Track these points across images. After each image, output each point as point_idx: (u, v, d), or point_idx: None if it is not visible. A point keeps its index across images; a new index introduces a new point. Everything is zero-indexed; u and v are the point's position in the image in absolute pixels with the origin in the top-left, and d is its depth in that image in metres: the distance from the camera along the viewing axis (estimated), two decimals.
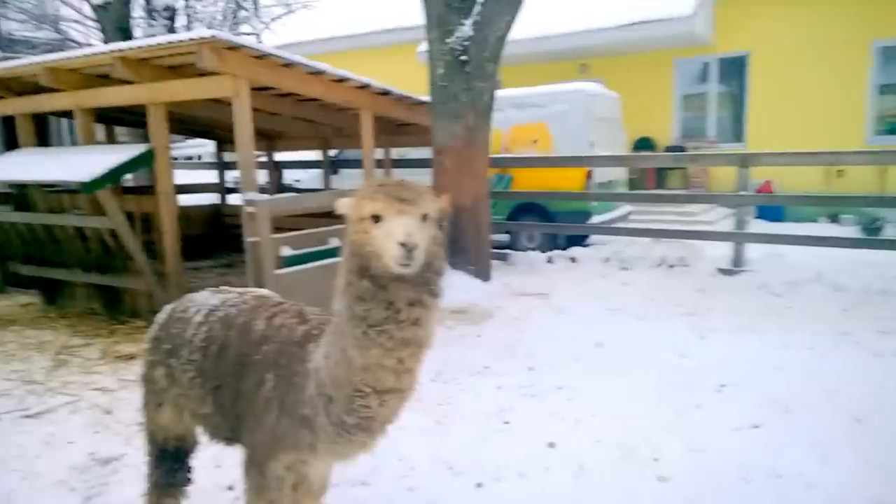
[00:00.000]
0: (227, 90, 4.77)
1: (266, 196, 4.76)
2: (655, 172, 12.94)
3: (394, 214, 1.53)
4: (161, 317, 2.25)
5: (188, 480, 2.35)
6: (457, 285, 5.98)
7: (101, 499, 2.81)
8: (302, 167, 11.20)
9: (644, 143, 13.25)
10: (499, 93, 6.86)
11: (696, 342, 4.94)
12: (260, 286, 3.69)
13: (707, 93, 13.35)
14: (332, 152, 10.04)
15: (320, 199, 5.61)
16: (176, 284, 5.25)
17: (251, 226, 4.53)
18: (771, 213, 11.80)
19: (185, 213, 9.19)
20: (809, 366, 4.35)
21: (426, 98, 6.69)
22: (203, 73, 4.92)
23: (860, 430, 3.41)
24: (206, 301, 2.14)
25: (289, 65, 5.22)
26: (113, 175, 4.82)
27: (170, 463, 2.26)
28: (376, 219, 1.54)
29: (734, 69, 13.00)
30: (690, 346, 4.83)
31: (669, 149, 12.93)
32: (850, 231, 10.54)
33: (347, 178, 9.62)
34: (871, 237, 9.54)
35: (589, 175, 8.53)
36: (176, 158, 16.33)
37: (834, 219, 11.69)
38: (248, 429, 1.88)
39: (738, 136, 13.07)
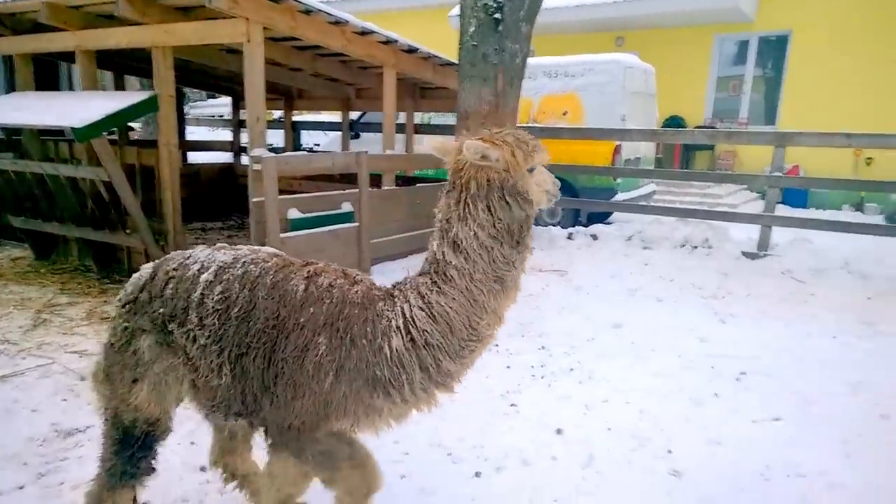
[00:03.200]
0: (239, 35, 4.50)
1: (273, 154, 4.53)
2: (682, 152, 12.56)
3: (541, 163, 1.83)
4: (142, 277, 1.96)
5: (151, 469, 2.02)
6: None
7: (56, 476, 2.54)
8: (320, 129, 11.00)
9: (674, 122, 12.83)
10: (530, 60, 6.53)
11: (717, 327, 4.73)
12: None
13: (744, 72, 12.82)
14: (353, 115, 9.80)
15: (335, 160, 5.39)
16: (175, 244, 5.04)
17: (256, 185, 4.34)
18: (795, 198, 11.56)
19: (196, 171, 9.09)
20: (833, 356, 4.17)
21: (455, 60, 6.41)
22: (216, 17, 4.66)
23: (886, 427, 3.23)
24: (212, 258, 1.90)
25: (308, 12, 4.93)
26: (109, 122, 4.53)
27: (134, 450, 1.94)
28: (532, 169, 1.80)
29: (774, 48, 12.43)
30: (711, 330, 4.62)
31: (699, 129, 12.50)
32: (875, 220, 10.34)
33: (369, 143, 9.39)
34: None
35: (617, 150, 8.22)
36: (191, 117, 16.20)
37: (858, 207, 11.44)
38: (281, 398, 1.74)
39: (770, 118, 12.59)
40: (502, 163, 1.70)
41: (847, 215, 10.88)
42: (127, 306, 1.94)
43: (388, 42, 5.82)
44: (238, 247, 1.98)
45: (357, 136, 9.58)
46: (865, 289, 5.58)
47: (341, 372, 1.71)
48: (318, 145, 11.63)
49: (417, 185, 6.70)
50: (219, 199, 9.00)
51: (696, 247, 6.86)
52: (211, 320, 1.77)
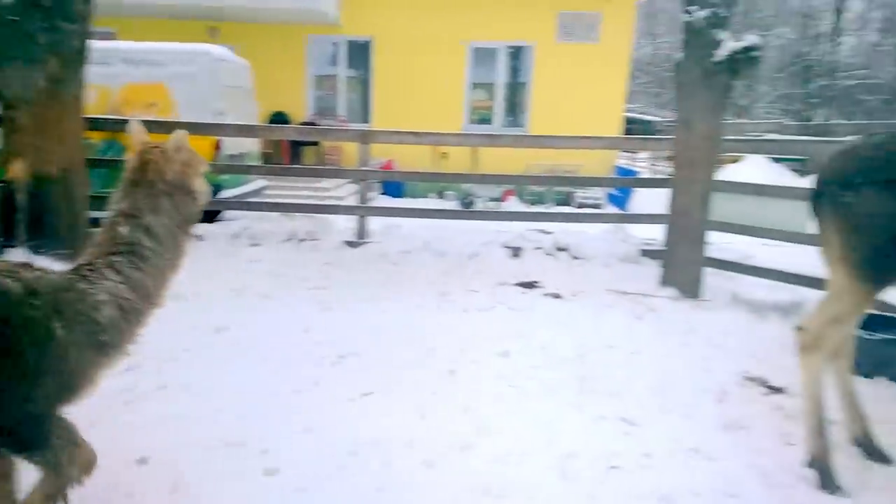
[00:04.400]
0: None
1: None
2: (291, 148, 12.94)
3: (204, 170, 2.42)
4: None
5: None
6: None
7: None
8: None
9: (279, 118, 13.10)
10: (106, 44, 5.71)
11: (321, 315, 4.93)
12: None
13: (337, 72, 13.87)
14: None
15: None
16: None
17: None
18: (393, 189, 13.22)
19: None
20: (416, 326, 4.73)
21: None
22: None
23: (454, 380, 3.80)
24: None
25: None
26: None
27: None
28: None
29: (361, 52, 13.76)
30: (316, 320, 4.78)
31: (303, 125, 13.04)
32: (452, 205, 12.52)
33: None
34: (466, 209, 11.38)
35: (218, 146, 7.90)
36: None
37: (441, 195, 13.71)
38: (24, 391, 1.84)
39: (365, 116, 13.97)
40: (179, 164, 2.21)
41: (431, 202, 12.89)
42: None
43: None
44: None
45: None
46: (441, 265, 6.56)
47: (79, 348, 1.95)
48: None
49: None
50: None
51: (302, 240, 7.10)
52: None
